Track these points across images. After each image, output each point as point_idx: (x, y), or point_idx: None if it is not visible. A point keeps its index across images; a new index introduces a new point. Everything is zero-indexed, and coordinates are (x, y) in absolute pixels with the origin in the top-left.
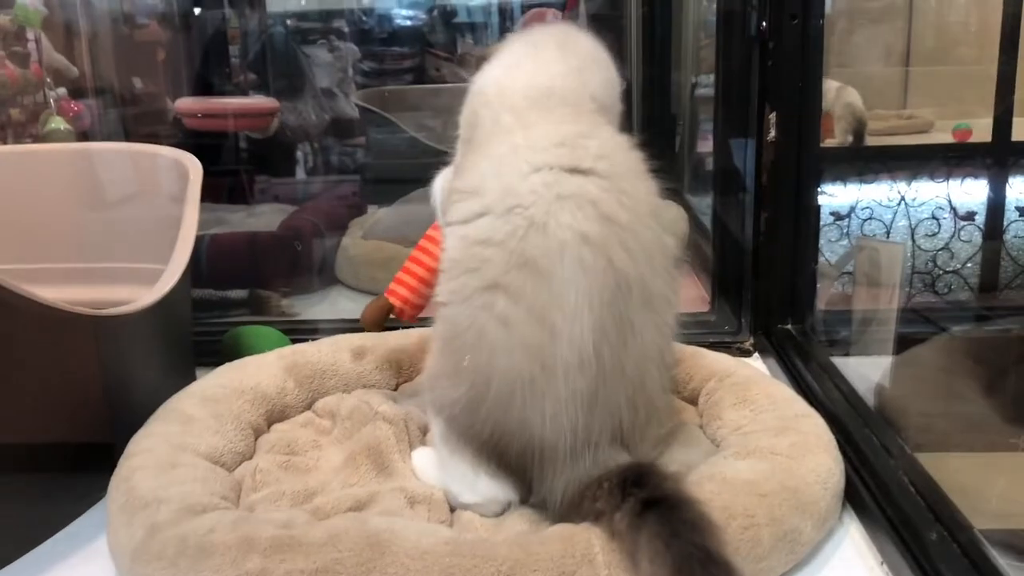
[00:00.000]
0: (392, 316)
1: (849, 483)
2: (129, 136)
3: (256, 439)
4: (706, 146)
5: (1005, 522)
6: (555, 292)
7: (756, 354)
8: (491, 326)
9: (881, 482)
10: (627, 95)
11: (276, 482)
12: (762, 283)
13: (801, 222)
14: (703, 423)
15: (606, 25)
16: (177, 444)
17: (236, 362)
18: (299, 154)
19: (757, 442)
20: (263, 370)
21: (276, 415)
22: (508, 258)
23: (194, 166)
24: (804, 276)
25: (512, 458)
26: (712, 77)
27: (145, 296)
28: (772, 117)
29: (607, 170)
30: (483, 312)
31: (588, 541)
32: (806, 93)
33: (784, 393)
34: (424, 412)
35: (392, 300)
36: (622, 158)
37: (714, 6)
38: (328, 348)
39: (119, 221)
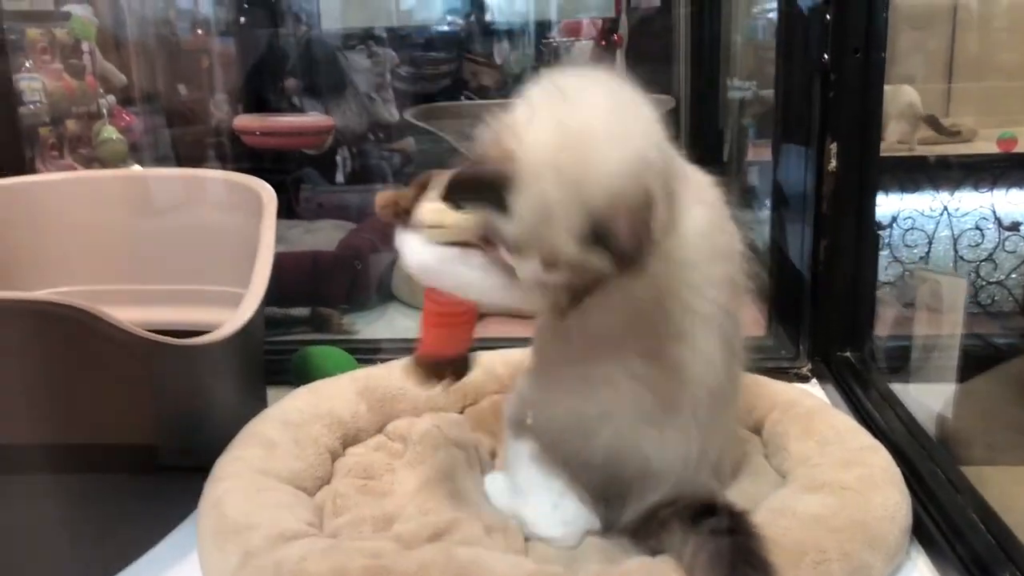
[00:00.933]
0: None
1: (917, 519)
2: (176, 144)
3: (333, 462)
4: (757, 158)
5: None
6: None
7: (814, 380)
8: None
9: (950, 519)
10: (674, 110)
11: (356, 507)
12: (821, 310)
13: (861, 250)
14: (768, 453)
15: (652, 37)
16: (261, 469)
17: (310, 385)
18: (338, 159)
19: (824, 476)
20: (337, 394)
21: (350, 439)
22: None
23: (267, 193)
24: (864, 304)
25: (616, 483)
26: (761, 91)
27: (227, 323)
28: (833, 148)
29: None
30: None
31: (666, 575)
32: (867, 126)
33: (848, 424)
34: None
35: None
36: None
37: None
38: (398, 371)
39: (187, 245)
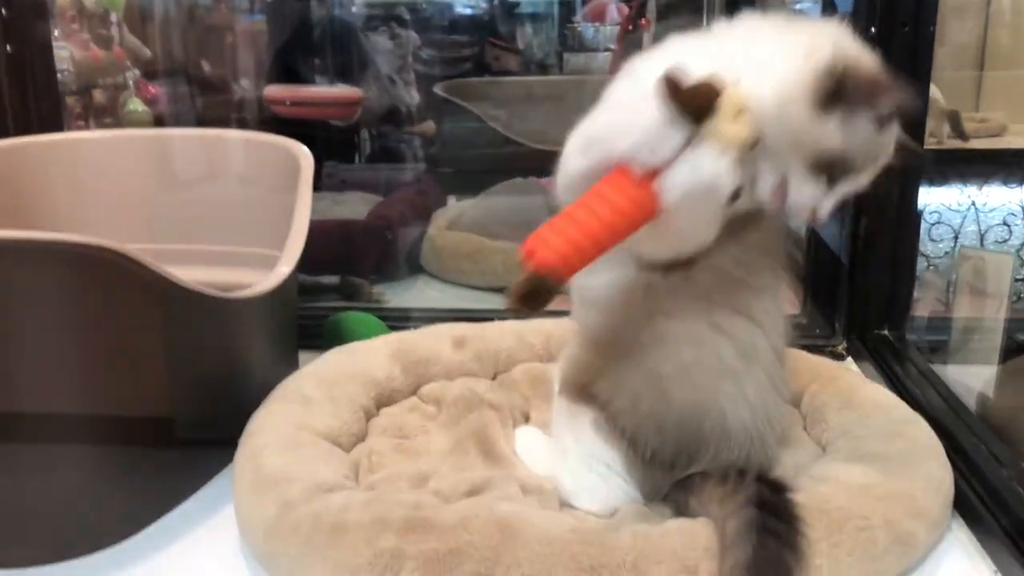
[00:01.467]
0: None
1: (959, 492)
2: (200, 117)
3: (367, 421)
4: None
5: None
6: None
7: (849, 358)
8: None
9: (993, 491)
10: None
11: (391, 464)
12: (858, 287)
13: (903, 227)
14: (807, 425)
15: (680, 21)
16: (298, 423)
17: (345, 347)
18: (358, 139)
19: (867, 447)
20: (371, 356)
21: (384, 399)
22: None
23: (305, 156)
24: (903, 283)
25: (690, 444)
26: None
27: (264, 280)
28: None
29: None
30: None
31: (709, 537)
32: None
33: (888, 398)
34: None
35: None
36: None
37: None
38: (431, 336)
39: (225, 206)
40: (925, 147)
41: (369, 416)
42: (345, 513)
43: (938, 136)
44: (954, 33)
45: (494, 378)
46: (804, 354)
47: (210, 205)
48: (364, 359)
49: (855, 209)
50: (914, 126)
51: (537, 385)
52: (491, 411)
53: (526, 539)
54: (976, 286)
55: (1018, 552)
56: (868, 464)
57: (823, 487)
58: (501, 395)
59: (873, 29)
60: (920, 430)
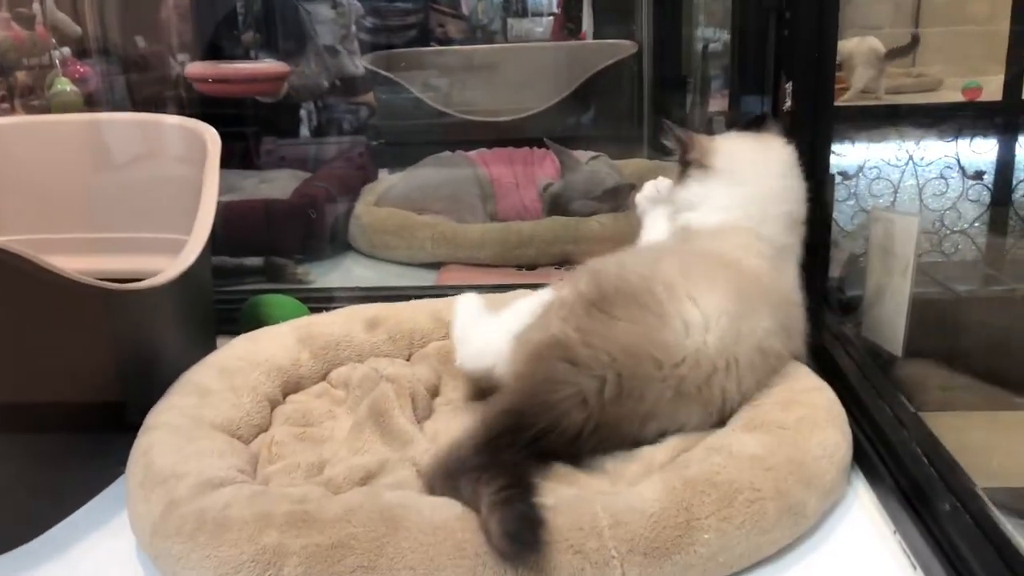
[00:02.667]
0: None
1: (864, 454)
2: (134, 96)
3: (272, 411)
4: (717, 107)
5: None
6: None
7: None
8: None
9: (894, 452)
10: (637, 55)
11: (291, 454)
12: None
13: (818, 192)
14: None
15: None
16: (194, 417)
17: (250, 334)
18: (303, 113)
19: (764, 416)
20: (277, 342)
21: (291, 386)
22: None
23: (212, 136)
24: (819, 245)
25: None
26: (724, 36)
27: (169, 268)
28: (788, 87)
29: None
30: None
31: (595, 515)
32: (822, 63)
33: (795, 366)
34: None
35: None
36: None
37: None
38: (341, 319)
39: (136, 192)
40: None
41: (275, 404)
42: (228, 510)
43: (875, 91)
44: None
45: (408, 359)
46: None
47: (126, 192)
48: (269, 346)
49: None
50: (824, 94)
51: (448, 360)
52: (387, 384)
53: (410, 529)
54: (886, 247)
55: (912, 511)
56: (764, 434)
57: (716, 458)
58: (402, 369)
59: None
60: (822, 397)
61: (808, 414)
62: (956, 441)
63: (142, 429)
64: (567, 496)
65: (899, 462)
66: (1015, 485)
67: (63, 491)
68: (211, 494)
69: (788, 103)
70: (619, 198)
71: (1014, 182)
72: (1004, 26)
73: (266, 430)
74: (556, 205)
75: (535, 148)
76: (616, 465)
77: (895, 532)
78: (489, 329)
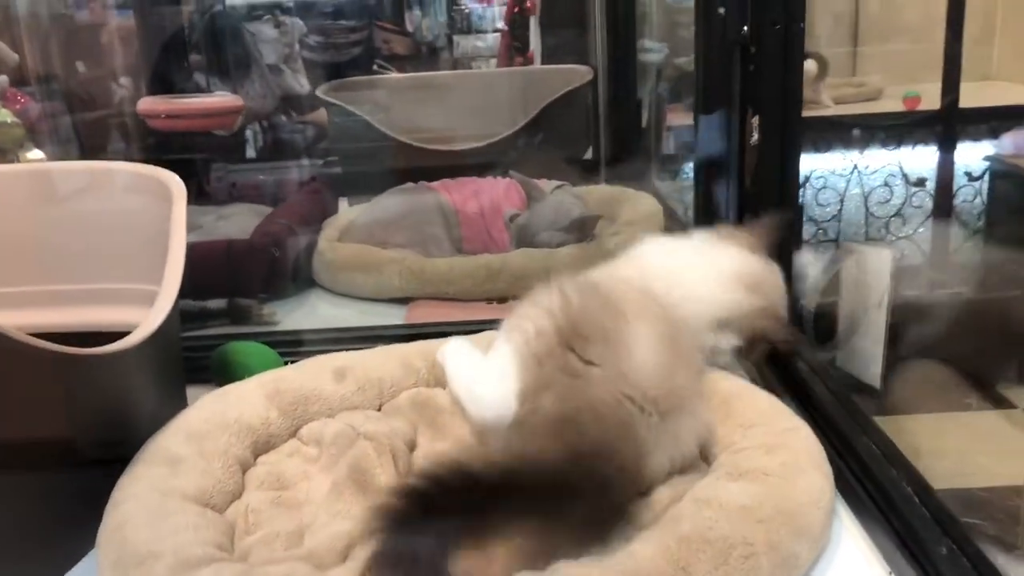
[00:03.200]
0: None
1: (853, 492)
2: (78, 128)
3: (244, 473)
4: (675, 122)
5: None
6: None
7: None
8: None
9: (885, 493)
10: (593, 81)
11: (269, 521)
12: None
13: (786, 223)
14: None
15: (565, 3)
16: (165, 488)
17: (217, 392)
18: (248, 134)
19: (748, 462)
20: (245, 399)
21: (261, 446)
22: None
23: (176, 184)
24: (790, 278)
25: None
26: (676, 58)
27: (141, 327)
28: (755, 121)
29: None
30: None
31: None
32: (788, 98)
33: (769, 404)
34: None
35: None
36: None
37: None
38: (309, 371)
39: (94, 241)
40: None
41: (246, 467)
42: None
43: (818, 102)
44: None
45: (379, 409)
46: None
47: (86, 242)
48: (237, 405)
49: (738, 209)
50: (792, 128)
51: (423, 410)
52: (366, 443)
53: None
54: (859, 280)
55: (908, 553)
56: (749, 482)
57: (707, 511)
58: (380, 424)
59: (745, 28)
60: (800, 439)
61: (791, 459)
62: (909, 444)
63: (110, 504)
64: (560, 560)
65: (891, 503)
66: (964, 486)
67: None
68: (191, 575)
69: (755, 137)
70: (586, 228)
71: (955, 188)
72: (940, 35)
73: (239, 496)
74: (523, 236)
75: (499, 178)
76: None
77: (891, 573)
78: (493, 377)
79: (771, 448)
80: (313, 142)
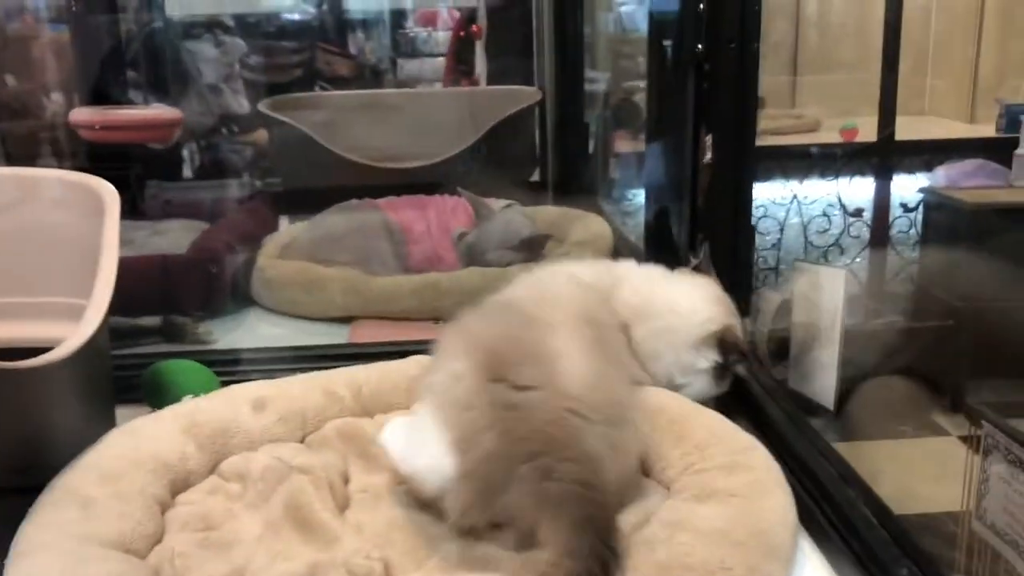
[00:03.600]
0: None
1: (809, 514)
2: (5, 142)
3: (163, 514)
4: (624, 152)
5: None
6: None
7: None
8: None
9: (844, 516)
10: (541, 104)
11: (199, 566)
12: None
13: (739, 243)
14: (645, 467)
15: (512, 28)
16: (79, 535)
17: (127, 426)
18: (185, 153)
19: (713, 483)
20: (159, 434)
21: (179, 484)
22: None
23: (109, 192)
24: (742, 296)
25: None
26: (628, 85)
27: (69, 340)
28: (708, 140)
29: None
30: None
31: None
32: (743, 117)
33: (721, 424)
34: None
35: None
36: None
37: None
38: (225, 402)
39: (24, 253)
40: None
41: (165, 508)
42: None
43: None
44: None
45: (302, 440)
46: None
47: (8, 253)
48: (151, 440)
49: (691, 227)
50: (746, 147)
51: (350, 441)
52: (301, 476)
53: None
54: (811, 299)
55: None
56: (718, 503)
57: (682, 535)
58: (312, 457)
59: (700, 47)
60: (759, 457)
61: (754, 478)
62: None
63: (14, 555)
64: None
65: (850, 526)
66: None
67: None
68: None
69: (709, 155)
70: (535, 248)
71: (890, 218)
72: (876, 69)
73: (160, 540)
74: (472, 255)
75: (446, 195)
76: None
77: None
78: (422, 444)
79: (732, 468)
80: (252, 162)
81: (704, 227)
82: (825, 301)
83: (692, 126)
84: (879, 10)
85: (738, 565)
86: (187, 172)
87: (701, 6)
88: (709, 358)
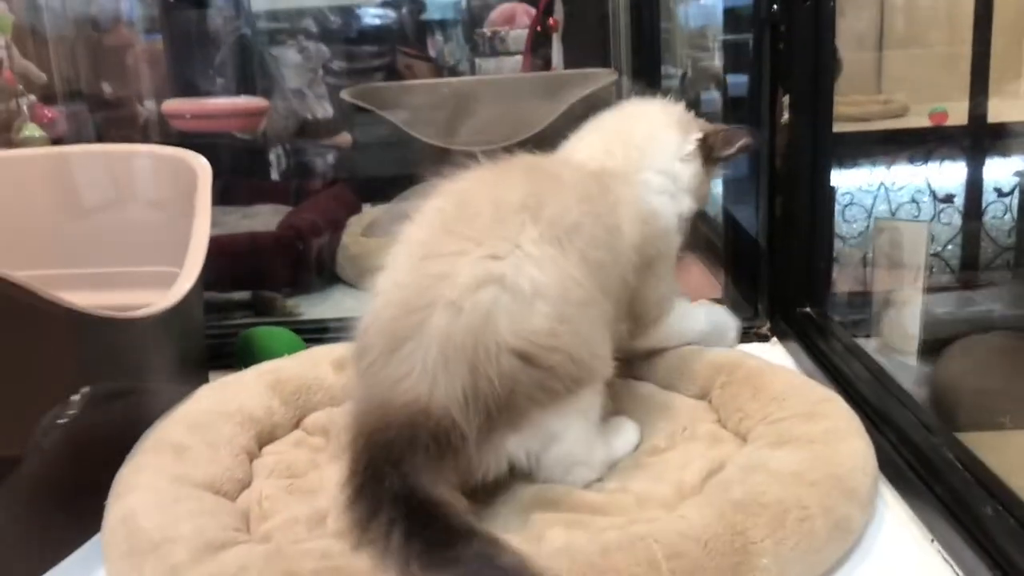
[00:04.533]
0: None
1: (891, 463)
2: (102, 138)
3: (251, 464)
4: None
5: None
6: None
7: (774, 339)
8: None
9: (926, 460)
10: (617, 85)
11: (285, 508)
12: (778, 268)
13: (818, 204)
14: (721, 418)
15: (589, 13)
16: (174, 476)
17: (215, 383)
18: (272, 157)
19: (790, 430)
20: (245, 390)
21: (266, 437)
22: None
23: (202, 167)
24: (822, 259)
25: None
26: (707, 64)
27: (162, 300)
28: (785, 100)
29: None
30: None
31: (649, 547)
32: (819, 75)
33: (798, 378)
34: None
35: None
36: None
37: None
38: (308, 362)
39: (122, 225)
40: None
41: (252, 457)
42: (246, 573)
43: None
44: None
45: None
46: (701, 348)
47: (107, 225)
48: (238, 395)
49: (769, 190)
50: (823, 106)
51: None
52: None
53: None
54: (893, 257)
55: (953, 518)
56: (795, 448)
57: (756, 476)
58: None
59: (775, 6)
60: (838, 407)
61: (832, 425)
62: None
63: (113, 495)
64: (609, 528)
65: (933, 470)
66: None
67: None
68: (216, 557)
69: (786, 116)
70: None
71: (983, 204)
72: (965, 51)
73: (249, 485)
74: None
75: None
76: (641, 487)
77: (933, 541)
78: None
79: (810, 416)
80: (335, 165)
81: (782, 194)
82: (907, 257)
83: (769, 87)
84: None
85: (814, 505)
86: (274, 175)
87: None
88: (692, 140)
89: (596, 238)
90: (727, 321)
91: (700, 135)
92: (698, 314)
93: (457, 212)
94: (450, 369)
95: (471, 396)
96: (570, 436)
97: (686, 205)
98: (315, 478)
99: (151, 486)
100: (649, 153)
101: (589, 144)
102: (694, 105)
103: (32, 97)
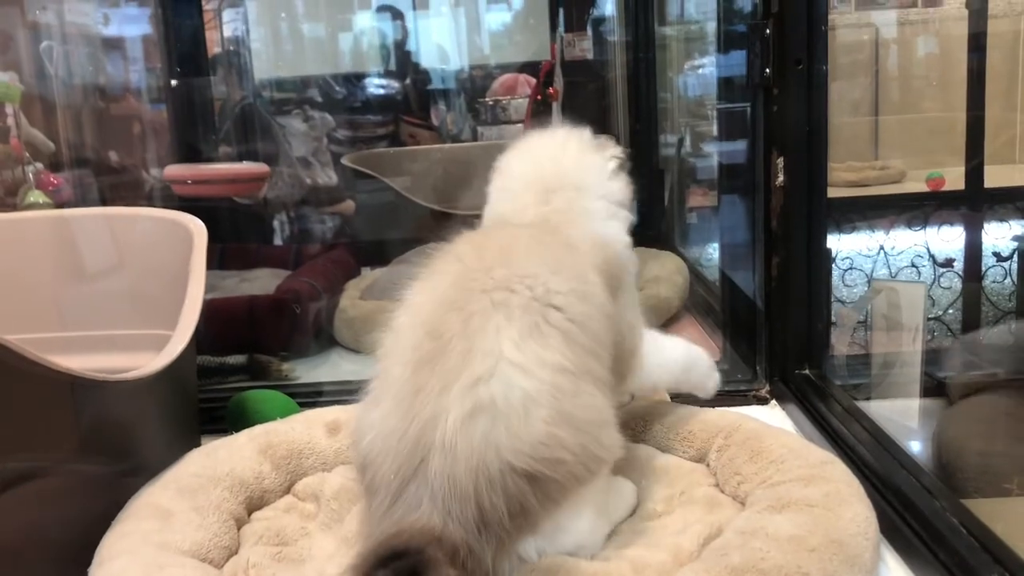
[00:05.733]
0: None
1: (893, 527)
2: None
3: (239, 529)
4: (698, 200)
5: None
6: None
7: (773, 401)
8: None
9: (927, 523)
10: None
11: None
12: (776, 329)
13: (814, 265)
14: (719, 482)
15: (586, 87)
16: (159, 543)
17: (206, 447)
18: (276, 224)
19: (789, 494)
20: (236, 454)
21: (255, 502)
22: None
23: (198, 229)
24: (820, 320)
25: None
26: (703, 130)
27: (154, 361)
28: (780, 162)
29: None
30: None
31: None
32: (812, 136)
33: (797, 441)
34: None
35: None
36: None
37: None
38: (301, 425)
39: (118, 288)
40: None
41: (240, 523)
42: None
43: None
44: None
45: None
46: (698, 409)
47: (103, 288)
48: (228, 459)
49: (766, 251)
50: (818, 167)
51: None
52: None
53: None
54: (891, 318)
55: None
56: (795, 512)
57: (755, 542)
58: None
59: (768, 70)
60: (837, 471)
61: (832, 489)
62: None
63: (95, 562)
64: None
65: (936, 535)
66: None
67: None
68: None
69: (780, 178)
70: None
71: (983, 268)
72: (960, 117)
73: (236, 552)
74: None
75: None
76: (638, 553)
77: None
78: None
79: (809, 480)
80: (338, 232)
81: (779, 249)
82: (905, 318)
83: (763, 150)
84: (961, 67)
85: (814, 571)
86: (277, 240)
87: (768, 31)
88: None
89: (571, 293)
90: (701, 355)
91: (614, 149)
92: (672, 343)
93: (432, 330)
94: (457, 506)
95: (482, 524)
96: (579, 527)
97: (627, 219)
98: (304, 546)
99: (135, 553)
100: (583, 187)
101: (516, 196)
102: (691, 170)
103: (39, 165)
